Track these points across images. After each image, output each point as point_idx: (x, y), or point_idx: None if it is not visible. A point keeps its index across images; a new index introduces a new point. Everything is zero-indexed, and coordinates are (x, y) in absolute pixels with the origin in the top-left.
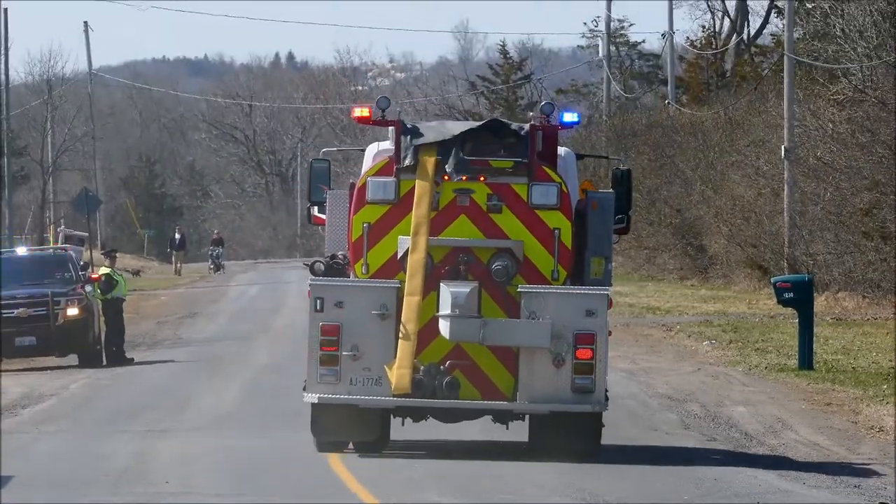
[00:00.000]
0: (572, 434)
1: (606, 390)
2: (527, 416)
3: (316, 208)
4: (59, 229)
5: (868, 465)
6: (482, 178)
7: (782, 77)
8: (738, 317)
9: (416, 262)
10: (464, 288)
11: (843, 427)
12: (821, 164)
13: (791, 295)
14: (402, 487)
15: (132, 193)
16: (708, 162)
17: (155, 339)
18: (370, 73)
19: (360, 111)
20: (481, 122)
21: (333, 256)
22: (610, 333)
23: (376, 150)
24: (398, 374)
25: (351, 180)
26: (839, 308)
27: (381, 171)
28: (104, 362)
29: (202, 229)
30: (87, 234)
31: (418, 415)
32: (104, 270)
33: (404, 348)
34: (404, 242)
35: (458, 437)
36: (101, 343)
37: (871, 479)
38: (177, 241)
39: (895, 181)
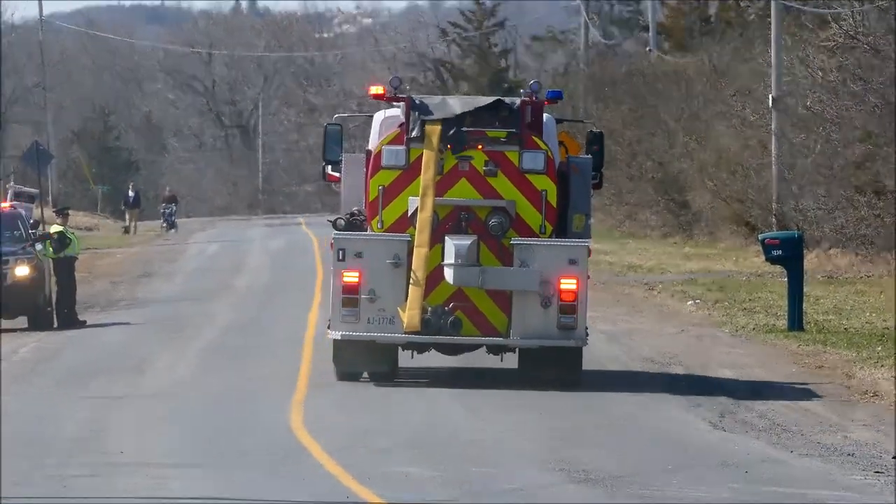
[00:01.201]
0: (558, 365)
1: (587, 328)
2: (517, 350)
3: (329, 167)
4: (7, 185)
5: (862, 431)
6: (480, 147)
7: (769, 23)
8: (723, 275)
9: (424, 219)
10: (465, 241)
11: (835, 391)
12: (810, 114)
13: (780, 252)
14: (371, 456)
15: (85, 147)
16: (692, 112)
17: (109, 299)
18: (336, 20)
19: (376, 89)
20: (484, 102)
21: (353, 214)
22: (588, 277)
23: (383, 116)
24: (409, 314)
25: (367, 147)
26: (831, 266)
27: (394, 140)
28: (55, 325)
29: (160, 185)
30: (37, 190)
31: (423, 348)
32: (56, 228)
33: (414, 292)
34: (413, 202)
35: (456, 364)
36: (52, 304)
37: (867, 448)
38: (131, 199)
39: (889, 132)
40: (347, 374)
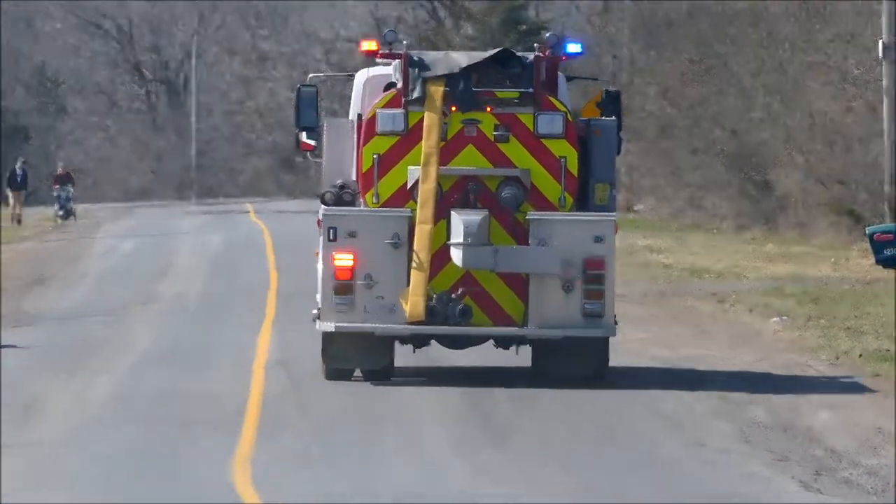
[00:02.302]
0: (581, 359)
1: (615, 316)
2: (530, 342)
3: (304, 134)
4: None
5: None
6: (489, 109)
7: None
8: (819, 283)
9: (427, 192)
10: (475, 216)
11: None
12: None
13: (894, 251)
14: None
15: None
16: (775, 64)
17: None
18: None
19: (368, 45)
20: (490, 53)
21: (343, 186)
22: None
23: (367, 76)
24: (412, 301)
25: (358, 112)
26: None
27: (390, 103)
28: None
29: (57, 158)
30: None
31: (422, 342)
32: None
33: (417, 277)
34: (414, 172)
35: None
36: None
37: None
38: (18, 177)
39: None
40: (339, 371)
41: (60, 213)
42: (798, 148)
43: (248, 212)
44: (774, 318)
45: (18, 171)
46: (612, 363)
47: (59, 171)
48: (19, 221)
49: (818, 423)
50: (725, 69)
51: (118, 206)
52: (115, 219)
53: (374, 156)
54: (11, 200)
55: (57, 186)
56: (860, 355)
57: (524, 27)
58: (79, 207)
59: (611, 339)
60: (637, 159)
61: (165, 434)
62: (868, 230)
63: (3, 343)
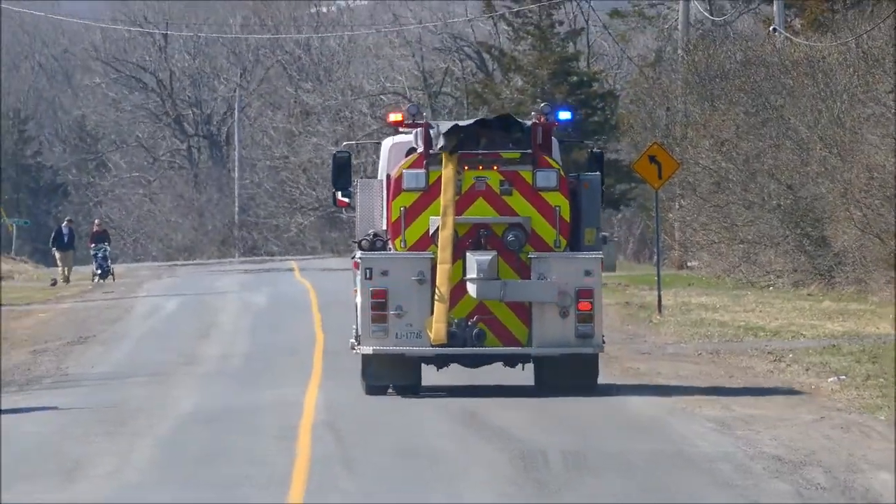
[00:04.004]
0: (575, 373)
1: (603, 335)
2: (533, 361)
3: (339, 193)
4: None
5: None
6: (495, 168)
7: None
8: (878, 340)
9: (445, 237)
10: (486, 256)
11: None
12: None
13: None
14: None
15: None
16: (832, 116)
17: (29, 375)
18: None
19: (395, 116)
20: (493, 117)
21: (376, 234)
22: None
23: (391, 143)
24: (436, 327)
25: (386, 172)
26: None
27: (413, 164)
28: None
29: (96, 215)
30: None
31: (444, 362)
32: None
33: (440, 307)
34: (434, 221)
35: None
36: None
37: None
38: (65, 237)
39: None
40: (375, 387)
41: (98, 272)
42: (855, 202)
43: (293, 269)
44: (832, 378)
45: (65, 231)
46: (667, 422)
47: (95, 228)
48: (67, 281)
49: (877, 484)
50: (781, 121)
51: (160, 264)
52: (157, 277)
53: (402, 208)
54: (59, 261)
55: (93, 245)
56: None
57: (574, 79)
58: (118, 266)
59: (669, 401)
60: (690, 215)
61: (209, 498)
62: None
63: (43, 405)
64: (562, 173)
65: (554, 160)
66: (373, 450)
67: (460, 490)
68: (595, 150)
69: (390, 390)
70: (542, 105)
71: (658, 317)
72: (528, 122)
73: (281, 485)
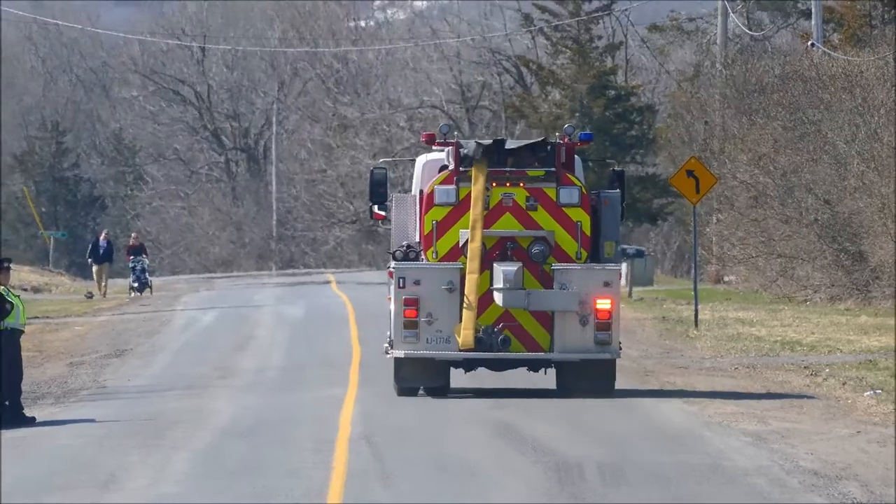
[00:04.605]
0: (594, 377)
1: (620, 342)
2: (555, 366)
3: (376, 207)
4: None
5: None
6: (522, 185)
7: None
8: None
9: (474, 249)
10: (512, 267)
11: None
12: None
13: None
14: None
15: (31, 177)
16: (870, 130)
17: (66, 388)
18: (377, 3)
19: (428, 136)
20: (526, 142)
21: (409, 246)
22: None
23: (425, 160)
24: (464, 333)
25: (419, 188)
26: None
27: (445, 180)
28: None
29: (133, 228)
30: None
31: (471, 366)
32: None
33: (468, 314)
34: (464, 234)
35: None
36: None
37: None
38: (101, 249)
39: None
40: (407, 389)
41: (135, 284)
42: (893, 217)
43: (330, 282)
44: (868, 392)
45: (102, 244)
46: (703, 436)
47: (132, 241)
48: (104, 295)
49: None
50: (819, 136)
51: (197, 277)
52: (194, 290)
53: (433, 222)
54: (96, 275)
55: (130, 258)
56: None
57: (612, 93)
58: (156, 279)
59: (705, 414)
60: (728, 229)
61: None
62: None
63: (80, 418)
64: (583, 190)
65: (576, 178)
66: (409, 463)
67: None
68: (617, 168)
69: (421, 392)
70: (566, 126)
71: (695, 331)
72: (552, 143)
73: (317, 498)
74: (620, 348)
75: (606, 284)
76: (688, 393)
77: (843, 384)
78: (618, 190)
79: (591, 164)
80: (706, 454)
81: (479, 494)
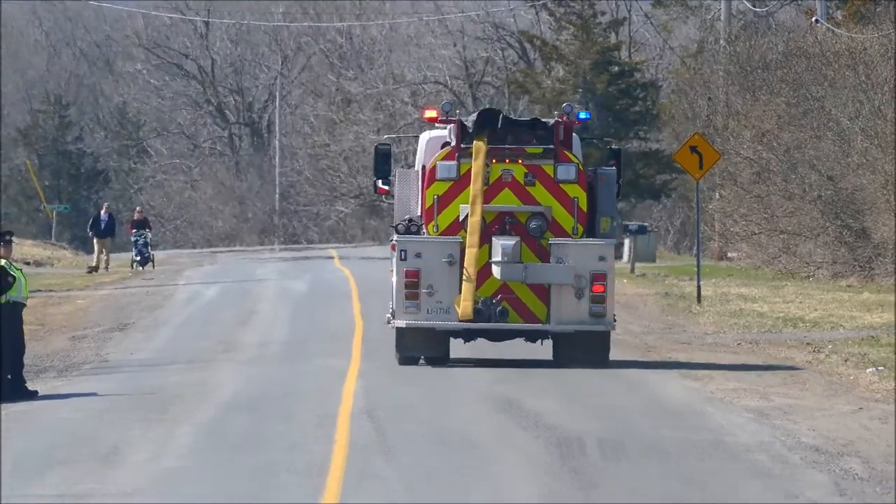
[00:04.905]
0: (589, 348)
1: (614, 315)
2: (552, 338)
3: (380, 181)
4: None
5: None
6: (520, 161)
7: None
8: None
9: (474, 223)
10: (510, 241)
11: None
12: None
13: None
14: None
15: (34, 150)
16: (873, 107)
17: (69, 361)
18: None
19: (430, 113)
20: (523, 119)
21: (411, 220)
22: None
23: (428, 137)
24: (463, 305)
25: (422, 163)
26: None
27: (446, 157)
28: None
29: (137, 202)
30: None
31: (470, 336)
32: None
33: (467, 286)
34: (464, 209)
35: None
36: None
37: None
38: (102, 223)
39: None
40: (407, 358)
41: (137, 258)
42: (895, 193)
43: (333, 257)
44: (870, 369)
45: (103, 217)
46: (705, 412)
47: (136, 215)
48: (107, 268)
49: None
50: (822, 112)
51: (200, 251)
52: (197, 264)
53: (435, 196)
54: (97, 248)
55: (133, 231)
56: None
57: (616, 69)
58: (159, 252)
59: (707, 390)
60: (731, 205)
61: (248, 484)
62: None
63: (82, 391)
64: (580, 167)
65: (573, 155)
66: (411, 437)
67: (498, 478)
68: (613, 146)
69: (421, 361)
70: (564, 105)
71: (697, 307)
72: (551, 121)
73: (320, 472)
74: (615, 321)
75: (601, 259)
76: (690, 368)
77: (846, 360)
78: (614, 167)
79: (596, 141)
80: (708, 430)
81: (481, 468)
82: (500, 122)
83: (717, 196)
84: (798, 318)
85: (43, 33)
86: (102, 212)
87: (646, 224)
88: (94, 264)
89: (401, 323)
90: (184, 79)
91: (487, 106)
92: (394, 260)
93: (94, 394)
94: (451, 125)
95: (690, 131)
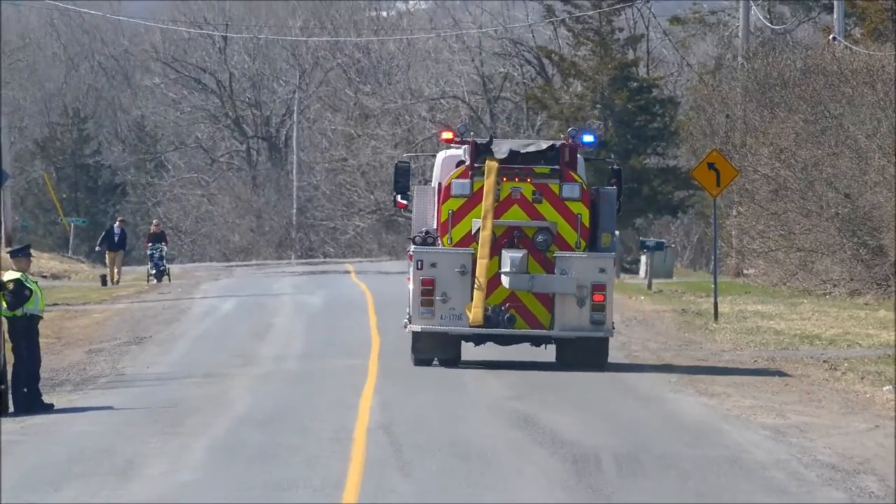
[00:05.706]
0: (589, 353)
1: (613, 323)
2: (555, 343)
3: (399, 196)
4: None
5: None
6: (528, 180)
7: None
8: None
9: (485, 237)
10: (517, 253)
11: None
12: None
13: None
14: None
15: (52, 163)
16: (891, 125)
17: (85, 375)
18: None
19: (447, 135)
20: (538, 149)
21: (427, 233)
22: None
23: (444, 156)
24: (474, 311)
25: (438, 181)
26: None
27: (461, 175)
28: (11, 409)
29: (154, 215)
30: None
31: (480, 341)
32: (12, 275)
33: (478, 294)
34: (476, 223)
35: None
36: (5, 381)
37: None
38: (115, 237)
39: None
40: (422, 360)
41: (153, 272)
42: None
43: (349, 272)
44: (887, 387)
45: (116, 231)
46: (721, 429)
47: (153, 228)
48: (116, 282)
49: None
50: (840, 130)
51: (217, 265)
52: (214, 278)
53: (450, 211)
54: (108, 261)
55: (149, 245)
56: None
57: (634, 84)
58: (175, 266)
59: (724, 407)
60: (748, 222)
61: (263, 499)
62: None
63: (98, 405)
64: (584, 186)
65: (578, 175)
66: (427, 452)
67: (513, 494)
68: (615, 167)
69: (434, 362)
70: (570, 129)
71: (714, 324)
72: (557, 144)
73: (335, 487)
74: (613, 328)
75: (602, 271)
76: (706, 386)
77: (862, 378)
78: (614, 187)
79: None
80: (724, 447)
81: (497, 484)
82: (507, 153)
83: (735, 213)
84: (815, 336)
85: (61, 46)
86: (116, 225)
87: (663, 240)
88: (108, 275)
89: (416, 328)
90: (202, 93)
91: (505, 122)
92: (411, 269)
93: (111, 407)
94: (466, 146)
95: (708, 148)
